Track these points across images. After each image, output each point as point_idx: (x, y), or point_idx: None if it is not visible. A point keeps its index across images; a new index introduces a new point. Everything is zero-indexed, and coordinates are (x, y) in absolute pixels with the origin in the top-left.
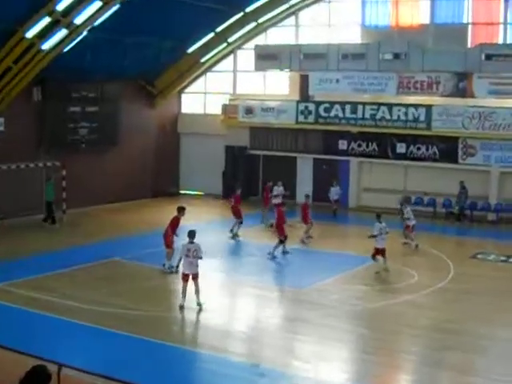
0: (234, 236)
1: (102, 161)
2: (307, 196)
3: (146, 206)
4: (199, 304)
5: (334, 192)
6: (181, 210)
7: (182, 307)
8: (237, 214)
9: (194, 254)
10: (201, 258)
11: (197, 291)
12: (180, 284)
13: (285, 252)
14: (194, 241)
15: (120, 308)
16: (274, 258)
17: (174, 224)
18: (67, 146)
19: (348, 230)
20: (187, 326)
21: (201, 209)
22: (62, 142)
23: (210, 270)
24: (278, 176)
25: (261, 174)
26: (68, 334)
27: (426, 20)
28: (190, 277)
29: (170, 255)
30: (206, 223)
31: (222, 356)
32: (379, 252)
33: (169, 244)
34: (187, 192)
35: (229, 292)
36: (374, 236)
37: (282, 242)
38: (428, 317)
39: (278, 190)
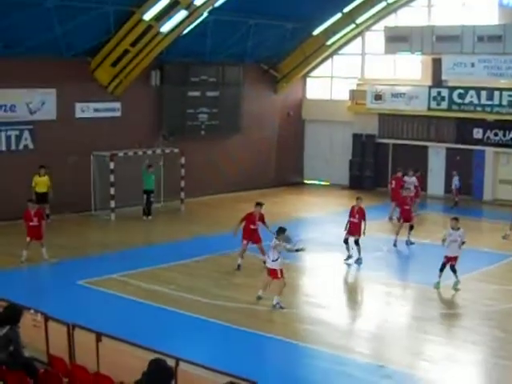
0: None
1: (223, 148)
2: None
3: (268, 195)
4: (275, 306)
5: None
6: (257, 204)
7: (259, 298)
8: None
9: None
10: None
11: (276, 292)
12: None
13: (409, 243)
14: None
15: (240, 302)
16: (411, 243)
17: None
18: (186, 132)
19: (482, 224)
20: (309, 323)
21: (326, 199)
22: (180, 128)
23: (332, 264)
24: (408, 166)
25: (390, 163)
26: (185, 327)
27: None
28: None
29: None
30: (332, 214)
31: (345, 356)
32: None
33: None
34: (311, 182)
35: (354, 289)
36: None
37: (412, 227)
38: None
39: (410, 180)
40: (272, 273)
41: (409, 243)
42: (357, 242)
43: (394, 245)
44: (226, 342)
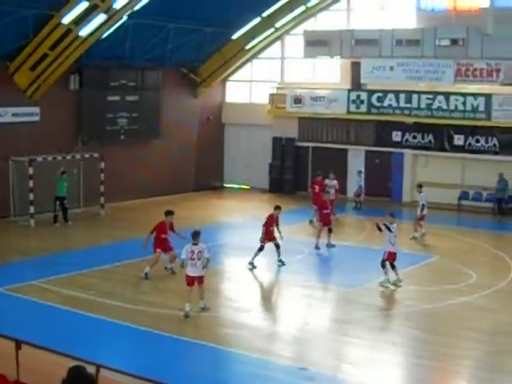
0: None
1: (142, 153)
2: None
3: (188, 200)
4: (204, 308)
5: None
6: (168, 213)
7: (187, 316)
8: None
9: (198, 255)
10: (207, 260)
11: (201, 296)
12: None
13: (330, 245)
14: (199, 242)
15: (162, 307)
16: (332, 246)
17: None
18: (106, 137)
19: (400, 226)
20: (230, 326)
21: (246, 203)
22: (100, 132)
23: (259, 269)
24: (328, 169)
25: (310, 166)
26: (106, 333)
27: (485, 3)
28: (196, 281)
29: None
30: (252, 218)
31: (268, 359)
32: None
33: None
34: (231, 186)
35: (275, 292)
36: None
37: (330, 230)
38: (488, 319)
39: (331, 183)
40: (201, 280)
41: (330, 246)
42: (277, 246)
43: (316, 247)
44: (148, 348)
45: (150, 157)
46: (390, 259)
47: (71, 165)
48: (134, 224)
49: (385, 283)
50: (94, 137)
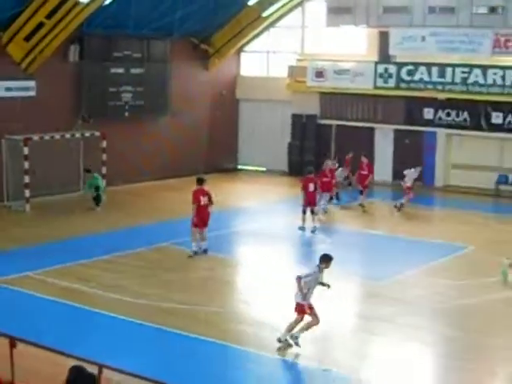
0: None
1: (148, 131)
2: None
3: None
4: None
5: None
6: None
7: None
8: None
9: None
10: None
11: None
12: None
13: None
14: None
15: (168, 301)
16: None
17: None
18: (108, 113)
19: (433, 213)
20: (245, 323)
21: (263, 187)
22: (102, 108)
23: (276, 259)
24: (353, 150)
25: (333, 147)
26: (108, 330)
27: None
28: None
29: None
30: (269, 203)
31: (288, 359)
32: None
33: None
34: (246, 167)
35: (294, 285)
36: None
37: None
38: None
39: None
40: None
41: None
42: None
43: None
44: (155, 346)
45: (156, 135)
46: None
47: (71, 143)
48: (138, 210)
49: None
50: (95, 113)
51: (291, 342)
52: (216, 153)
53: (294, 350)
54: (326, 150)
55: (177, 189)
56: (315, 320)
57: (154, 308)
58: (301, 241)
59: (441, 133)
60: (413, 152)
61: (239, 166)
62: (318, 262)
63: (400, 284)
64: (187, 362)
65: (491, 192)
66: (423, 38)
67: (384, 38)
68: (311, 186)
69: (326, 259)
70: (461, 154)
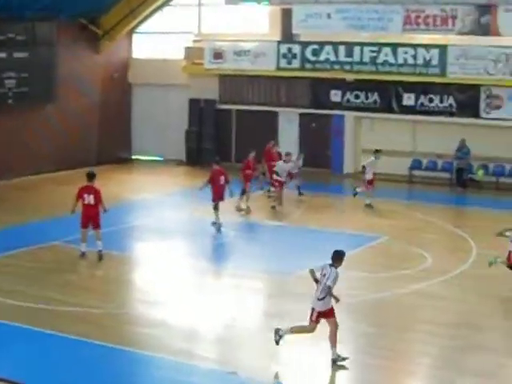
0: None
1: (34, 120)
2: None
3: None
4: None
5: None
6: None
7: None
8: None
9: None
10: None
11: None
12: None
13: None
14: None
15: (63, 305)
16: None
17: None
18: None
19: (343, 202)
20: (145, 325)
21: (160, 178)
22: None
23: (176, 255)
24: (255, 136)
25: (233, 133)
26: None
27: None
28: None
29: None
30: (165, 195)
31: (188, 362)
32: None
33: None
34: (141, 157)
35: (196, 282)
36: None
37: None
38: (446, 310)
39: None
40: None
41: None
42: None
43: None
44: (49, 353)
45: (44, 124)
46: None
47: None
48: (26, 206)
49: None
50: None
51: (335, 358)
52: (108, 142)
53: (199, 352)
54: (226, 137)
55: (68, 182)
56: (310, 329)
57: (48, 311)
58: (201, 235)
59: (349, 116)
60: (320, 137)
61: (134, 156)
62: (330, 261)
63: (309, 278)
64: (78, 369)
65: (404, 178)
66: (329, 16)
67: (287, 15)
68: (222, 179)
69: (339, 257)
70: (371, 139)
